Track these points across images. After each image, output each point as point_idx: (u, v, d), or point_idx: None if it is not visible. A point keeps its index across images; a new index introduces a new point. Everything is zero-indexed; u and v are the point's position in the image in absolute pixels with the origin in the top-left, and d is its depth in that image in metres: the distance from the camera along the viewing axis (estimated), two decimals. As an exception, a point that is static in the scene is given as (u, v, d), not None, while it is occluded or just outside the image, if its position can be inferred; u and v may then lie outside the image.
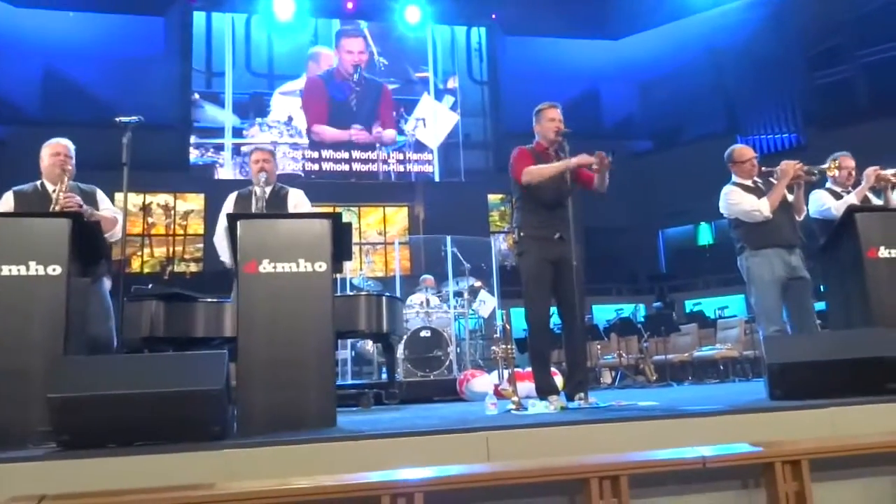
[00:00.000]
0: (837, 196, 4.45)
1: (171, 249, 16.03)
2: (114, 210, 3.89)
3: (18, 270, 2.99)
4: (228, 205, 4.49)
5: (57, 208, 3.51)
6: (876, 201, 4.58)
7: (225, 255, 4.52)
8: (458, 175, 17.40)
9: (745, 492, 2.52)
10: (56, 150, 3.81)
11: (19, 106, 15.33)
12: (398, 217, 17.27)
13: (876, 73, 16.34)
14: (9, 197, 3.77)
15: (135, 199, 15.29)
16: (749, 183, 4.38)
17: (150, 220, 15.92)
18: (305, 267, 3.14)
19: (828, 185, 4.57)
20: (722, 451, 2.43)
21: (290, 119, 16.54)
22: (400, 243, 13.07)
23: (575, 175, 3.89)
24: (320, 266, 3.15)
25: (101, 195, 3.92)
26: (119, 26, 15.99)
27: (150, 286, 5.23)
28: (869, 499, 2.64)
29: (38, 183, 3.83)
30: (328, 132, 16.68)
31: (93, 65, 15.60)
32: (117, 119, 3.63)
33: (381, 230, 17.12)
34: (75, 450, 2.41)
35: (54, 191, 3.73)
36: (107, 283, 3.84)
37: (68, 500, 2.02)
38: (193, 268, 15.87)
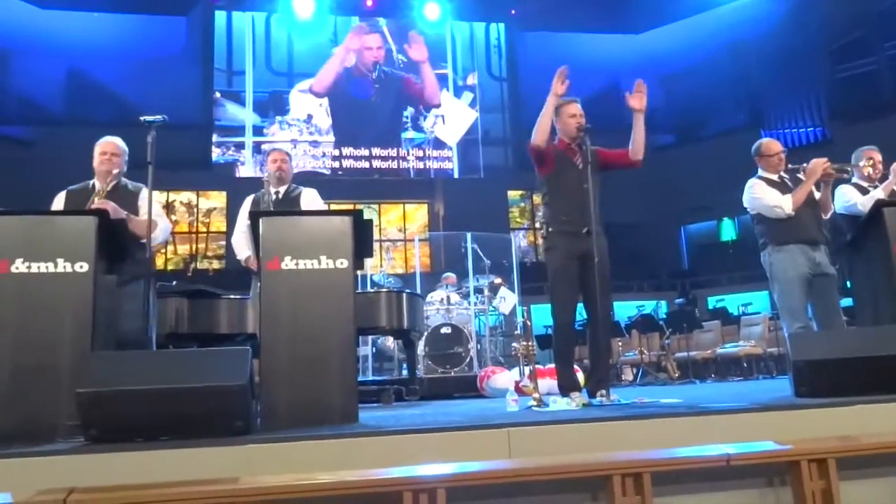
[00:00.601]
0: (864, 191, 4.37)
1: (194, 247, 16.22)
2: (157, 213, 3.85)
3: (47, 268, 3.04)
4: (246, 206, 4.56)
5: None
6: (904, 196, 4.49)
7: (242, 254, 4.58)
8: (477, 172, 17.37)
9: (771, 490, 2.49)
10: (103, 150, 3.89)
11: (44, 106, 15.59)
12: (418, 214, 17.30)
13: (901, 65, 16.05)
14: (61, 196, 3.87)
15: (158, 198, 15.36)
16: (775, 177, 4.31)
17: (173, 217, 16.12)
18: (327, 264, 3.16)
19: (854, 179, 4.49)
20: (746, 449, 2.40)
21: (311, 117, 16.63)
22: (420, 240, 13.11)
23: (598, 160, 3.86)
24: (342, 263, 3.17)
25: (144, 197, 3.89)
26: (142, 27, 16.20)
27: (174, 283, 5.30)
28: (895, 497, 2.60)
29: (90, 182, 3.91)
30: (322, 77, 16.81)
31: (116, 65, 15.81)
32: (142, 118, 3.67)
33: (402, 227, 17.16)
34: (103, 444, 2.45)
35: (100, 189, 3.82)
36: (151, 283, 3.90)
37: (96, 494, 2.05)
38: (216, 265, 16.04)
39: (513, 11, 17.90)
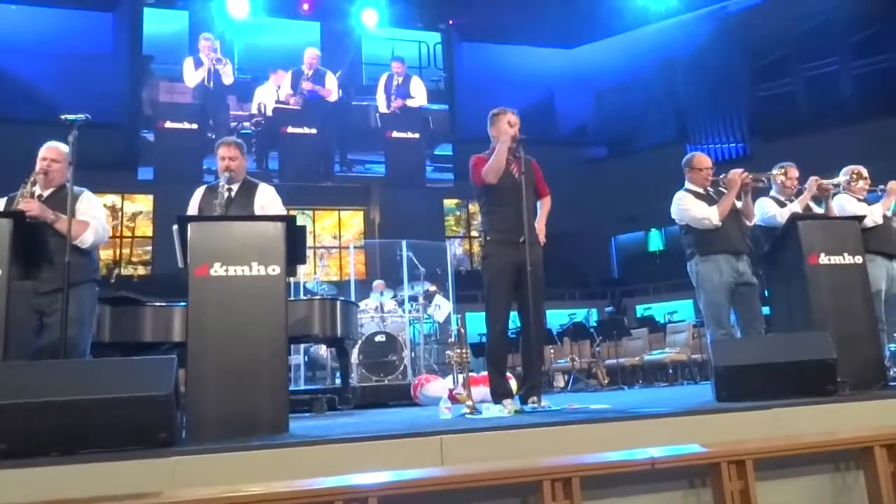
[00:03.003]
0: (781, 204, 4.60)
1: (118, 252, 15.60)
2: (93, 216, 3.76)
3: (-45, 272, 2.87)
4: (196, 198, 4.23)
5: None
6: (817, 209, 4.76)
7: None
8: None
9: (693, 491, 2.59)
10: (43, 156, 3.77)
11: (-42, 102, 14.73)
12: (353, 221, 17.17)
13: (816, 86, 17.02)
14: (1, 202, 3.71)
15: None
16: (701, 190, 4.48)
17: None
18: (258, 270, 3.09)
19: (772, 193, 4.72)
20: (670, 453, 2.48)
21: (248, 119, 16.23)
22: (355, 247, 13.00)
23: (532, 172, 3.96)
24: (273, 269, 3.11)
25: (84, 199, 3.79)
26: (66, 21, 15.52)
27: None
28: (809, 495, 2.74)
29: (26, 183, 3.72)
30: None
31: (38, 61, 15.10)
32: (63, 117, 3.52)
33: (337, 234, 16.99)
34: (15, 459, 2.32)
35: (39, 195, 3.69)
36: (89, 289, 3.75)
37: (6, 512, 1.95)
38: (142, 271, 15.48)
39: (451, 21, 18.04)
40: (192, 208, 4.13)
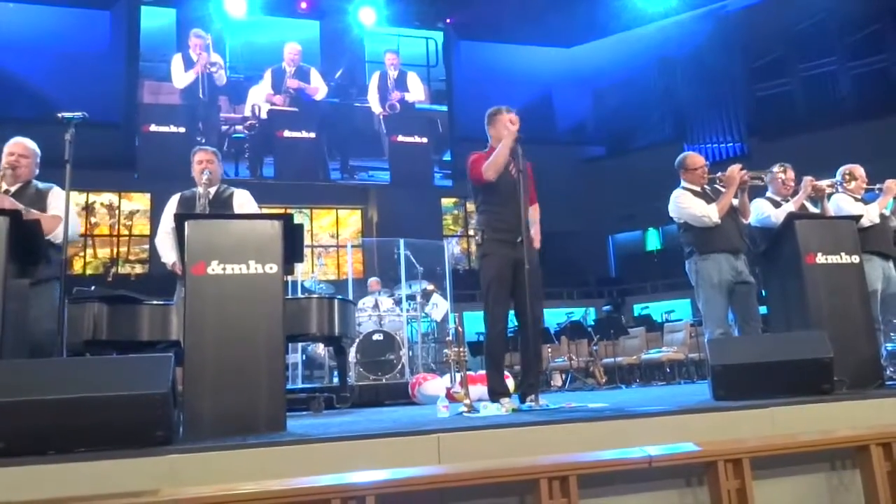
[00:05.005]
0: (777, 205, 4.61)
1: (115, 250, 15.58)
2: (61, 210, 3.69)
3: (-49, 271, 2.86)
4: (171, 206, 4.38)
5: None
6: (813, 210, 4.76)
7: (167, 257, 4.42)
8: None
9: (690, 490, 2.59)
10: (10, 151, 3.75)
11: (-46, 100, 14.69)
12: (351, 220, 17.16)
13: (813, 86, 17.05)
14: None
15: (77, 199, 14.77)
16: (698, 188, 4.49)
17: (93, 219, 15.43)
18: (256, 269, 3.08)
19: (768, 194, 4.73)
20: (667, 451, 2.49)
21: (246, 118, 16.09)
22: (353, 246, 12.99)
23: (527, 172, 3.94)
24: (271, 268, 3.11)
25: (54, 194, 3.78)
26: (63, 19, 15.48)
27: (92, 288, 5.08)
28: (806, 494, 2.75)
29: None
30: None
31: (35, 59, 15.05)
32: (59, 115, 3.51)
33: (334, 233, 16.97)
34: (12, 457, 2.32)
35: (6, 191, 3.67)
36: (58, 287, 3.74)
37: (3, 510, 1.94)
38: (139, 269, 15.46)
39: (448, 20, 18.02)
40: (168, 215, 4.18)
